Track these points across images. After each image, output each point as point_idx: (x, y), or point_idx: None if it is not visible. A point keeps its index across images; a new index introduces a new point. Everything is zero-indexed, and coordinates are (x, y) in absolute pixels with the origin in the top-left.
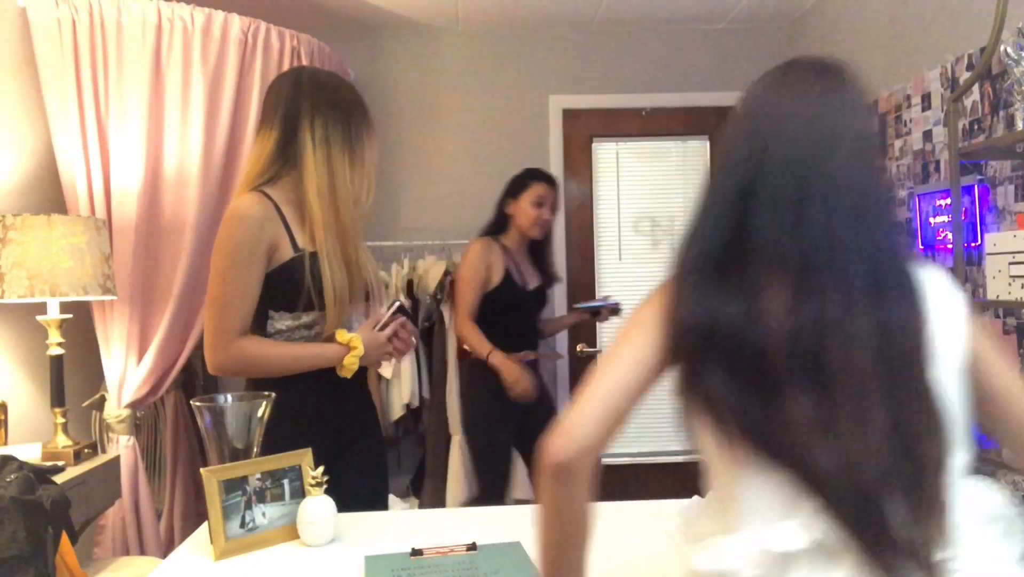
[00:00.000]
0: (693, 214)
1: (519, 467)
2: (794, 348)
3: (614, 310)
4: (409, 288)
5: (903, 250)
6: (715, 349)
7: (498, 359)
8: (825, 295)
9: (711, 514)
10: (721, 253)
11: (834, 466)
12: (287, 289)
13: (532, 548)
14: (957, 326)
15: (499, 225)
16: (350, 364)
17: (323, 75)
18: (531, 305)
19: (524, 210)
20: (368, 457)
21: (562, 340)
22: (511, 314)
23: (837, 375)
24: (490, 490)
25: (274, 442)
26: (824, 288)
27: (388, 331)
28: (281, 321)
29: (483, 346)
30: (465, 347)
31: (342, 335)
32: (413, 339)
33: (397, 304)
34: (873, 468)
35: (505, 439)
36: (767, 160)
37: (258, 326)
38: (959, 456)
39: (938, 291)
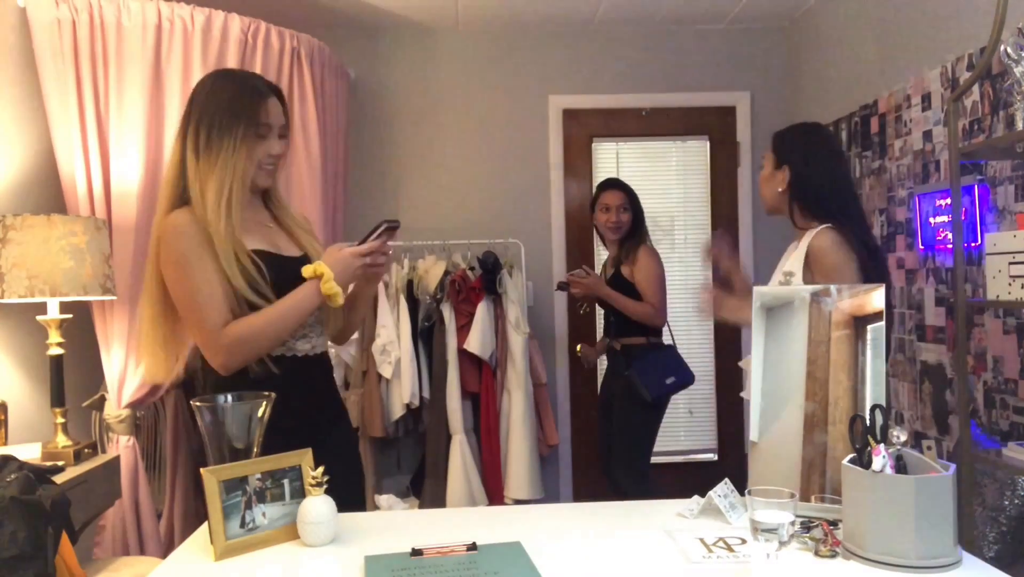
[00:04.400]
0: None
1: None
2: None
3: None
4: (409, 288)
5: None
6: None
7: None
8: None
9: None
10: None
11: None
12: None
13: (532, 548)
14: None
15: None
16: (328, 291)
17: (201, 81)
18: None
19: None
20: (342, 449)
21: (562, 339)
22: None
23: None
24: None
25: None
26: None
27: (363, 248)
28: None
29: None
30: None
31: (306, 270)
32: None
33: (384, 225)
34: None
35: None
36: None
37: None
38: None
39: None
